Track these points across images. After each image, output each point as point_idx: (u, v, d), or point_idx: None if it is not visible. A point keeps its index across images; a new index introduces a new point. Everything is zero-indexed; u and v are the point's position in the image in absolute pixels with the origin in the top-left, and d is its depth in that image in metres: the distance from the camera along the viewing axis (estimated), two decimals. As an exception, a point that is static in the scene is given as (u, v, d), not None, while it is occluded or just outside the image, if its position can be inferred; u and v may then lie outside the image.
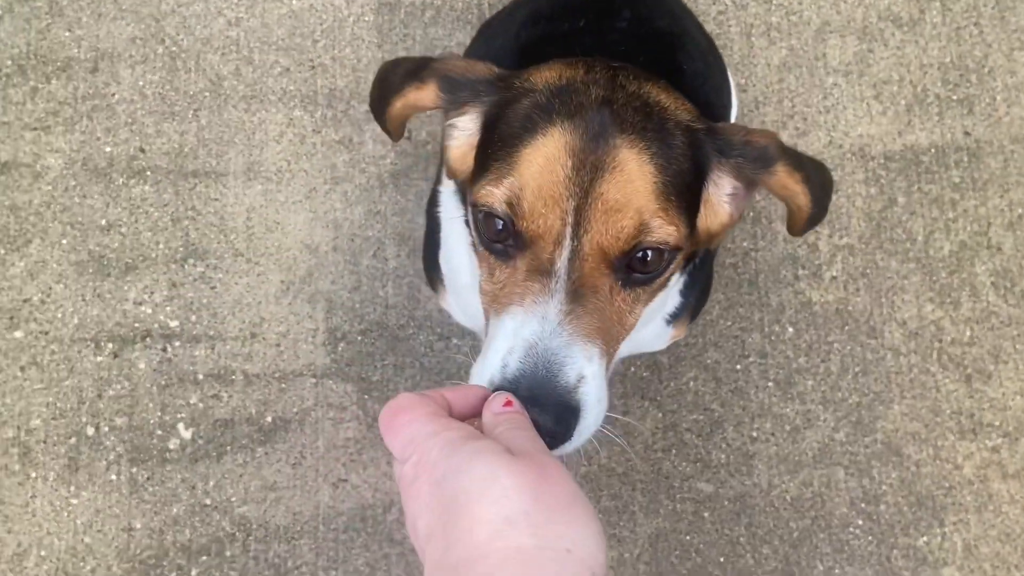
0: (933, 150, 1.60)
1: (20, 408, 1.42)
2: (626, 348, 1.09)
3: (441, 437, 0.58)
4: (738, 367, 1.51)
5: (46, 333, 1.45)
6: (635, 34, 1.10)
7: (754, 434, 1.49)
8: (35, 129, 1.51)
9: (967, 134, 1.61)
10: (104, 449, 1.42)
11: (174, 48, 1.56)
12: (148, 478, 1.41)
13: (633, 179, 0.73)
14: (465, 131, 0.85)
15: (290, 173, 1.52)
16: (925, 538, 1.47)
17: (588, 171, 0.72)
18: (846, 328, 1.53)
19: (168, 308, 1.47)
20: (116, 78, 1.54)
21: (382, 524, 1.42)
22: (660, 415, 1.48)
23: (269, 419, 1.44)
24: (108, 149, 1.52)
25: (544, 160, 0.73)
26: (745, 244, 1.54)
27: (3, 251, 1.47)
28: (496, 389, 0.69)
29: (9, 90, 1.52)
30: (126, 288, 1.47)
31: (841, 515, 1.47)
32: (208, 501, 1.41)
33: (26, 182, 1.49)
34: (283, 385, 1.45)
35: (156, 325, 1.46)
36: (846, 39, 1.64)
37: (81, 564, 1.38)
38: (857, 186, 1.58)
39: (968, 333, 1.54)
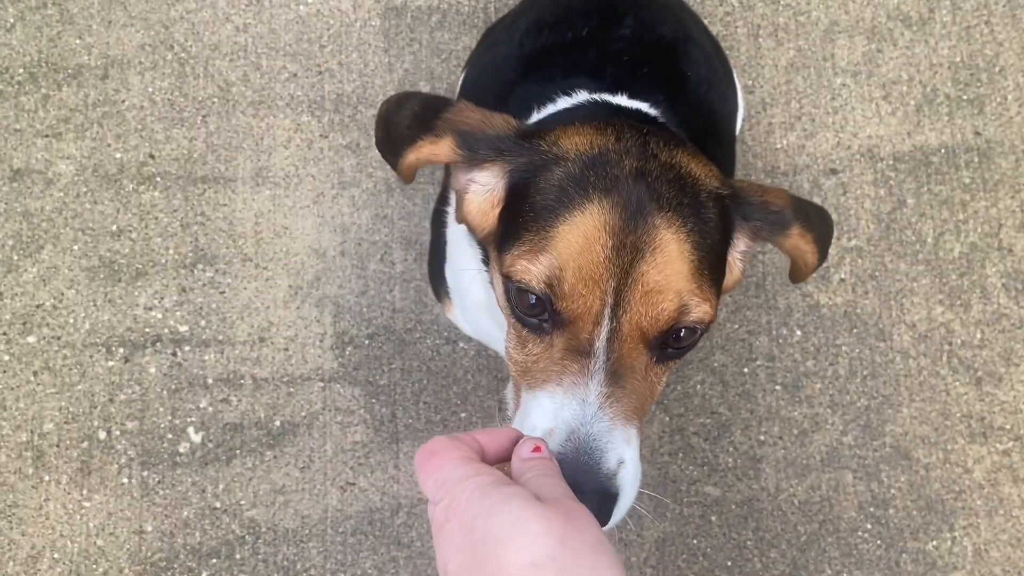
0: (943, 151, 1.59)
1: (33, 412, 1.44)
2: None
3: (472, 481, 0.59)
4: (745, 370, 1.50)
5: (58, 338, 1.47)
6: (639, 41, 1.09)
7: (761, 438, 1.48)
8: (47, 136, 1.53)
9: (978, 134, 1.59)
10: (116, 453, 1.43)
11: (183, 54, 1.57)
12: (159, 481, 1.43)
13: (673, 260, 0.72)
14: (486, 187, 0.82)
15: (298, 178, 1.53)
16: (935, 542, 1.46)
17: (628, 252, 0.72)
18: (854, 331, 1.52)
19: (178, 313, 1.48)
20: (126, 85, 1.55)
21: (390, 527, 1.42)
22: (667, 419, 1.48)
23: (278, 423, 1.45)
24: (118, 155, 1.53)
25: (584, 239, 0.72)
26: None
27: (16, 257, 1.49)
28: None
29: (21, 97, 1.54)
30: (136, 293, 1.49)
31: (849, 519, 1.46)
32: (218, 504, 1.42)
33: (38, 188, 1.51)
34: (291, 389, 1.46)
35: (166, 330, 1.48)
36: (855, 39, 1.62)
37: (93, 567, 1.40)
38: (866, 188, 1.57)
39: (979, 336, 1.53)
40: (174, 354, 1.47)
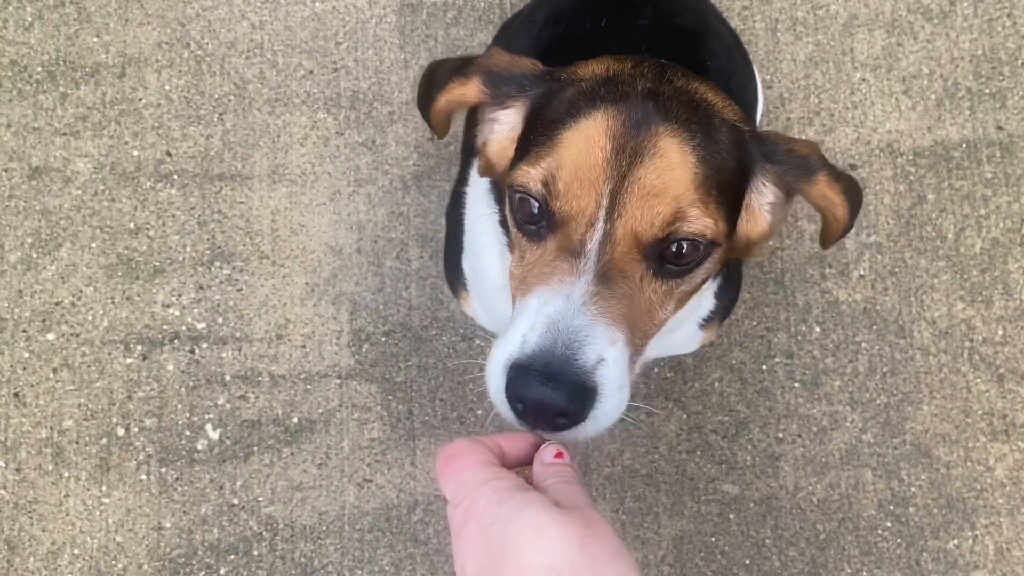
0: (964, 145, 1.57)
1: (53, 409, 1.45)
2: (657, 350, 1.09)
3: (491, 486, 0.60)
4: (764, 367, 1.49)
5: (77, 335, 1.48)
6: (657, 31, 1.09)
7: (780, 435, 1.47)
8: (65, 134, 1.54)
9: (1000, 128, 1.57)
10: (134, 449, 1.44)
11: (199, 52, 1.58)
12: (177, 478, 1.43)
13: (673, 166, 0.72)
14: (507, 125, 0.84)
15: (314, 175, 1.53)
16: (956, 541, 1.45)
17: (628, 156, 0.71)
18: (874, 328, 1.51)
19: (195, 310, 1.49)
20: (143, 83, 1.56)
21: (407, 524, 1.42)
22: (684, 416, 1.47)
23: (295, 420, 1.45)
24: (136, 153, 1.54)
25: (584, 142, 0.73)
26: (771, 243, 1.53)
27: (35, 255, 1.50)
28: (516, 373, 0.68)
29: (40, 96, 1.55)
30: (154, 291, 1.49)
31: (869, 517, 1.45)
32: (236, 501, 1.43)
33: (56, 186, 1.52)
34: (308, 386, 1.46)
35: (184, 327, 1.48)
36: (874, 33, 1.61)
37: (113, 562, 1.41)
38: (885, 183, 1.55)
39: (1000, 332, 1.51)
40: (192, 351, 1.47)
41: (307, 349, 1.48)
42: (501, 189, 0.88)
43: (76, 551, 1.41)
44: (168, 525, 1.42)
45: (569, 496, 0.62)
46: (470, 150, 1.05)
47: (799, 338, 1.50)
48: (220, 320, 1.48)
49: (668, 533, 1.44)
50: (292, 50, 1.58)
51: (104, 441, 1.44)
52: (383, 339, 1.48)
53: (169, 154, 1.54)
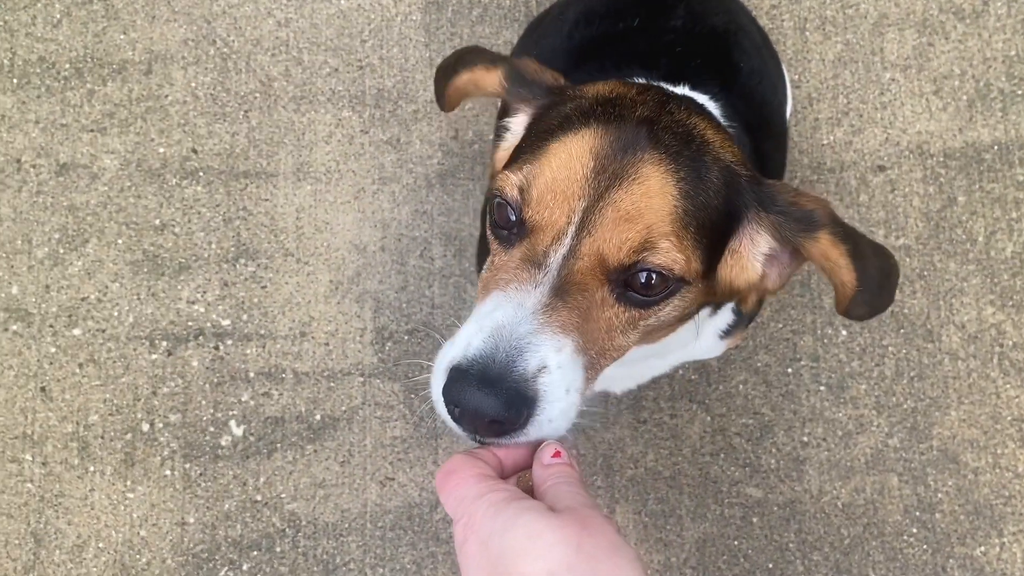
0: (996, 147, 1.55)
1: (79, 404, 1.46)
2: (680, 357, 1.08)
3: (486, 499, 0.61)
4: (789, 370, 1.48)
5: (103, 331, 1.49)
6: (690, 32, 1.08)
7: (805, 439, 1.46)
8: (92, 131, 1.55)
9: (1032, 130, 1.55)
10: (159, 445, 1.45)
11: (225, 49, 1.58)
12: (201, 474, 1.44)
13: (652, 195, 0.70)
14: (514, 134, 0.85)
15: (339, 173, 1.53)
16: (983, 548, 1.43)
17: (608, 177, 0.70)
18: (901, 331, 1.49)
19: (220, 307, 1.49)
20: (169, 80, 1.56)
21: (428, 523, 1.42)
22: (708, 419, 1.46)
23: (318, 417, 1.46)
24: (162, 150, 1.54)
25: (566, 155, 0.72)
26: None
27: (62, 250, 1.51)
28: (455, 376, 0.67)
29: (67, 93, 1.56)
30: (179, 287, 1.50)
31: (895, 523, 1.43)
32: (259, 497, 1.43)
33: (83, 183, 1.53)
34: (332, 384, 1.47)
35: (208, 324, 1.49)
36: (905, 33, 1.59)
37: (137, 556, 1.42)
38: (915, 185, 1.53)
39: (1031, 337, 1.49)
40: (216, 348, 1.48)
41: (330, 347, 1.48)
42: None
43: (101, 544, 1.42)
44: (192, 520, 1.43)
45: (568, 498, 0.62)
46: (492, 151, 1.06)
47: (825, 341, 1.49)
48: (244, 317, 1.49)
49: (691, 536, 1.43)
50: (317, 48, 1.58)
51: (129, 436, 1.45)
52: (406, 337, 1.48)
53: (195, 151, 1.54)
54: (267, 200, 1.53)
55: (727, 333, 1.03)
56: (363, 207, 1.52)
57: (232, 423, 1.46)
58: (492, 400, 0.65)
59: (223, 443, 1.45)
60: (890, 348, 1.48)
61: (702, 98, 0.96)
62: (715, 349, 1.06)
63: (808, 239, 0.75)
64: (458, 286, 1.50)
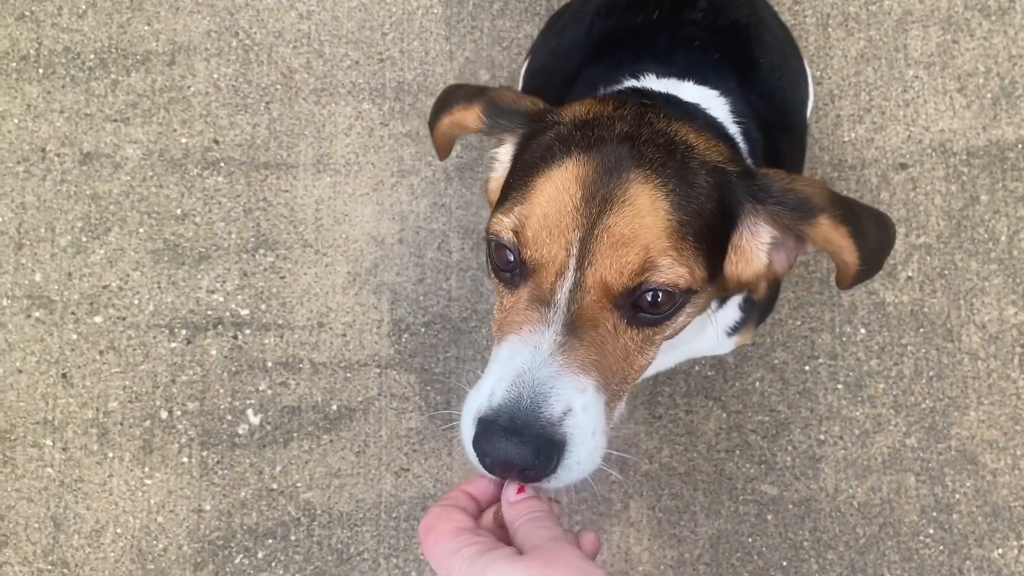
0: (1020, 146, 1.53)
1: (99, 391, 1.48)
2: (684, 353, 1.07)
3: (459, 555, 0.64)
4: (807, 368, 1.47)
5: (123, 319, 1.50)
6: (711, 25, 1.07)
7: (821, 437, 1.45)
8: (115, 121, 1.56)
9: (1057, 129, 1.53)
10: (176, 432, 1.46)
11: (247, 41, 1.59)
12: (218, 461, 1.45)
13: (643, 214, 0.70)
14: (502, 163, 0.86)
15: (358, 165, 1.54)
16: (1000, 550, 1.41)
17: (598, 203, 0.70)
18: (921, 330, 1.48)
19: (239, 297, 1.50)
20: (192, 71, 1.58)
21: (443, 514, 1.43)
22: (724, 415, 1.46)
23: (334, 407, 1.47)
24: (184, 140, 1.56)
25: (553, 190, 0.72)
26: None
27: (84, 239, 1.53)
28: (483, 427, 0.68)
29: (92, 83, 1.57)
30: (199, 276, 1.51)
31: (911, 523, 1.42)
32: (275, 486, 1.44)
33: (106, 172, 1.55)
34: (348, 374, 1.47)
35: (227, 313, 1.50)
36: (929, 29, 1.57)
37: (154, 542, 1.43)
38: (937, 183, 1.52)
39: (1053, 338, 1.47)
40: (235, 337, 1.49)
41: (348, 337, 1.49)
42: None
43: (119, 530, 1.44)
44: (208, 508, 1.44)
45: (535, 535, 0.66)
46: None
47: (843, 339, 1.48)
48: (263, 307, 1.50)
49: (705, 532, 1.42)
50: (339, 40, 1.59)
51: (148, 423, 1.47)
52: (423, 330, 1.49)
53: (216, 142, 1.56)
54: (287, 191, 1.54)
55: (735, 330, 1.02)
56: (382, 199, 1.53)
57: (249, 412, 1.47)
58: (521, 449, 0.66)
59: (240, 431, 1.46)
60: (909, 347, 1.47)
61: (710, 94, 0.95)
62: (722, 345, 1.06)
63: (807, 225, 0.76)
64: (475, 279, 1.50)
